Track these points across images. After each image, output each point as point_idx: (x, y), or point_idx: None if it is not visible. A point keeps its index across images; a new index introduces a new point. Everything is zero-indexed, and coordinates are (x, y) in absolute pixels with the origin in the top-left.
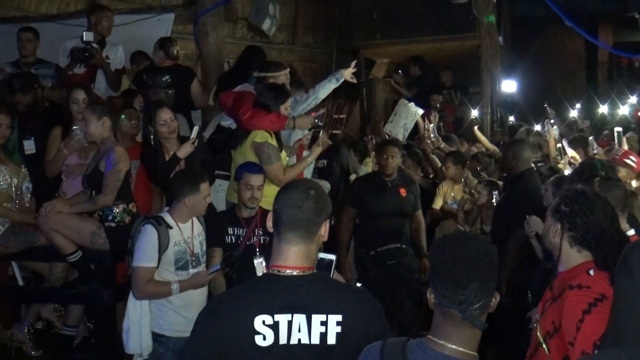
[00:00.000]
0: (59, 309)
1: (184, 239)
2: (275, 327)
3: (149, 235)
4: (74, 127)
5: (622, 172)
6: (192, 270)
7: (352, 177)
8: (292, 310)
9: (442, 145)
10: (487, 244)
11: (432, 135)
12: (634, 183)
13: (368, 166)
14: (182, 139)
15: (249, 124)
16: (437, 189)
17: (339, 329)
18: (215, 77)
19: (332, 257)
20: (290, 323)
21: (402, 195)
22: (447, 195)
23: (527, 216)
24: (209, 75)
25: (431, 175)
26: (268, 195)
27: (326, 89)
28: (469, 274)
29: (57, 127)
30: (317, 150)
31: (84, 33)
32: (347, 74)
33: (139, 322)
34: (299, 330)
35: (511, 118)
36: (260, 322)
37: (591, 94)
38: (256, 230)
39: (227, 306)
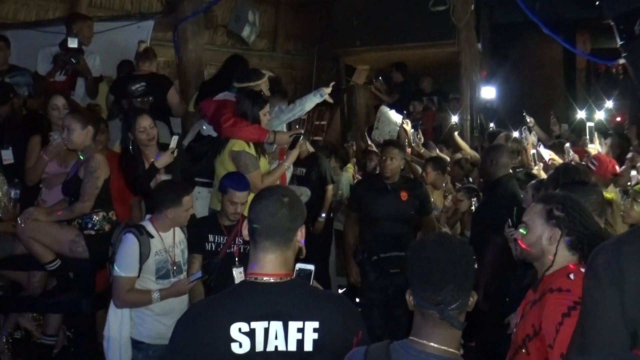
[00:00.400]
0: (37, 318)
1: (165, 248)
2: (251, 334)
3: (130, 245)
4: (51, 133)
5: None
6: (173, 279)
7: (330, 187)
8: (269, 318)
9: (422, 151)
10: (463, 245)
11: (412, 141)
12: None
13: (349, 172)
14: (162, 146)
15: (230, 133)
16: None
17: (315, 335)
18: (195, 85)
19: (311, 267)
20: (266, 330)
21: (403, 199)
22: None
23: (510, 220)
24: (189, 83)
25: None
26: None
27: (311, 102)
28: (446, 276)
29: (36, 136)
30: (294, 154)
31: (69, 39)
32: (327, 91)
33: (120, 330)
34: (276, 338)
35: (491, 125)
36: (237, 329)
37: (570, 99)
38: (237, 238)
39: (204, 314)
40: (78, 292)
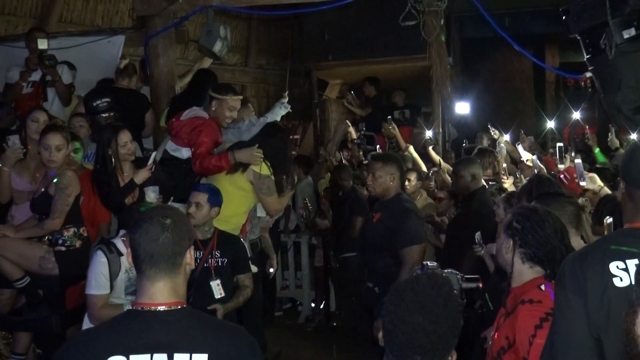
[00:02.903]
0: (6, 336)
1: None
2: None
3: (99, 264)
4: (8, 137)
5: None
6: None
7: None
8: (151, 350)
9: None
10: (448, 300)
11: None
12: (580, 200)
13: (322, 186)
14: (137, 161)
15: (201, 170)
16: None
17: None
18: (167, 99)
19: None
20: None
21: (373, 221)
22: None
23: (478, 235)
24: (160, 98)
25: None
26: (226, 217)
27: (278, 114)
28: (422, 347)
29: None
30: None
31: (38, 40)
32: (285, 100)
33: None
34: None
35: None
36: None
37: (540, 112)
38: (213, 252)
39: (81, 345)
40: (48, 309)
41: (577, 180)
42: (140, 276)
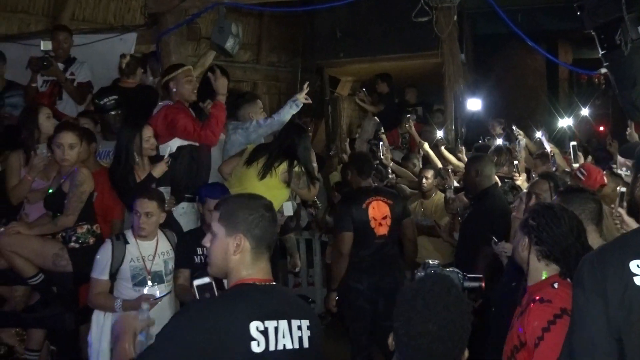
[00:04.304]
0: (20, 333)
1: (141, 256)
2: (265, 333)
3: (103, 249)
4: (38, 145)
5: None
6: (147, 289)
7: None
8: (277, 317)
9: (391, 165)
10: (460, 305)
11: (381, 154)
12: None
13: (333, 180)
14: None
15: (212, 137)
16: None
17: (309, 333)
18: None
19: (208, 280)
20: (276, 329)
21: None
22: (417, 211)
23: (494, 239)
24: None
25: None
26: None
27: (288, 114)
28: (434, 357)
29: (15, 154)
30: None
31: (42, 42)
32: (302, 97)
33: (99, 336)
34: (284, 336)
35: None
36: (255, 328)
37: (552, 110)
38: None
39: (215, 311)
40: (61, 306)
41: (572, 164)
42: (251, 256)
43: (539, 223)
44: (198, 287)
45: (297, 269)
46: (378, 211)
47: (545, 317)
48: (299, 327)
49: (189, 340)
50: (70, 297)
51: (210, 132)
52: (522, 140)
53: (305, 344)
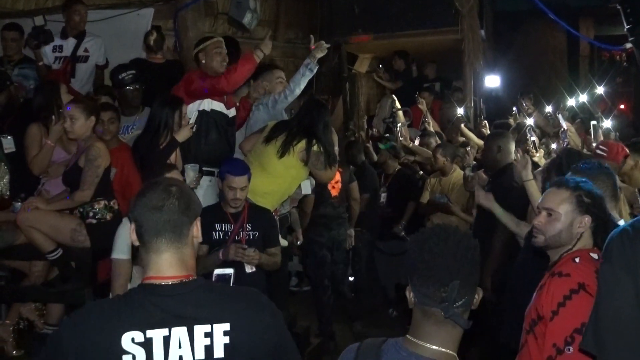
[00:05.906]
0: (40, 308)
1: None
2: (147, 344)
3: (121, 228)
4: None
5: None
6: None
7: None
8: (169, 324)
9: (410, 145)
10: (468, 239)
11: (399, 135)
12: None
13: None
14: None
15: (233, 82)
16: (425, 183)
17: (227, 339)
18: None
19: (230, 271)
20: (166, 339)
21: None
22: (435, 188)
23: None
24: (190, 70)
25: (421, 172)
26: (257, 189)
27: (303, 81)
28: (451, 271)
29: (35, 124)
30: None
31: (34, 18)
32: (317, 52)
33: None
34: (180, 346)
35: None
36: (129, 339)
37: (573, 87)
38: (244, 225)
39: (89, 321)
40: (80, 281)
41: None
42: (145, 250)
43: (594, 200)
44: (217, 275)
45: (299, 242)
46: None
47: (562, 291)
48: (208, 334)
49: (72, 345)
50: (88, 272)
51: (225, 78)
52: (534, 117)
53: (218, 354)
